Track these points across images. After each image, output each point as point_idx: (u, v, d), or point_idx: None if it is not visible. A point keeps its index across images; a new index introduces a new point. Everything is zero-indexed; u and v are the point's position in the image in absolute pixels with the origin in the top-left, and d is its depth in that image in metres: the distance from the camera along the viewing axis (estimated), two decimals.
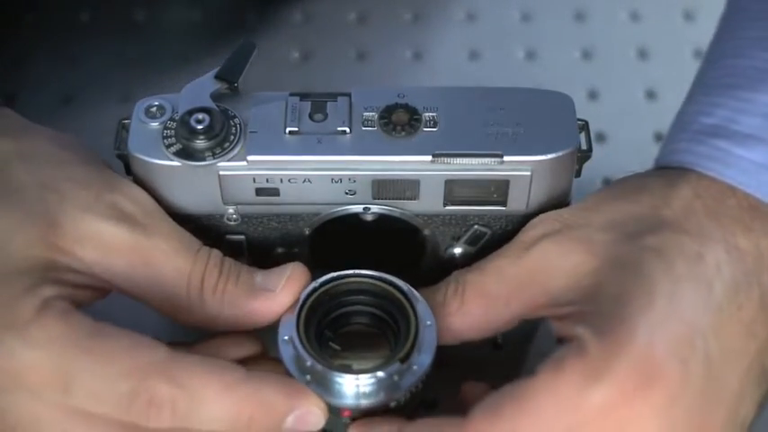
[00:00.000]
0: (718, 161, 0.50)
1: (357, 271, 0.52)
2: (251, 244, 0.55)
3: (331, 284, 0.52)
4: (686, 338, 0.46)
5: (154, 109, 0.53)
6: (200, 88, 0.53)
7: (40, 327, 0.47)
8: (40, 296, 0.48)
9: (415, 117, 0.52)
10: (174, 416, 0.47)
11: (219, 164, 0.52)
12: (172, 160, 0.52)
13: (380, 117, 0.52)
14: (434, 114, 0.52)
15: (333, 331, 0.53)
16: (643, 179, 0.52)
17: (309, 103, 0.53)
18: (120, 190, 0.51)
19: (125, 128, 0.53)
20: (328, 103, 0.53)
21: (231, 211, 0.54)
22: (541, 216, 0.52)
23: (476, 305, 0.52)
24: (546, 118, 0.53)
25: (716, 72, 0.54)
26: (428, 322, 0.51)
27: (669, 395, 0.46)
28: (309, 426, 0.49)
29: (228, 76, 0.53)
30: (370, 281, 0.52)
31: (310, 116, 0.52)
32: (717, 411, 0.47)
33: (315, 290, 0.52)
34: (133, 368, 0.47)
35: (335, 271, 0.52)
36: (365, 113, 0.52)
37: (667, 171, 0.52)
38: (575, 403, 0.46)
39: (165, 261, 0.51)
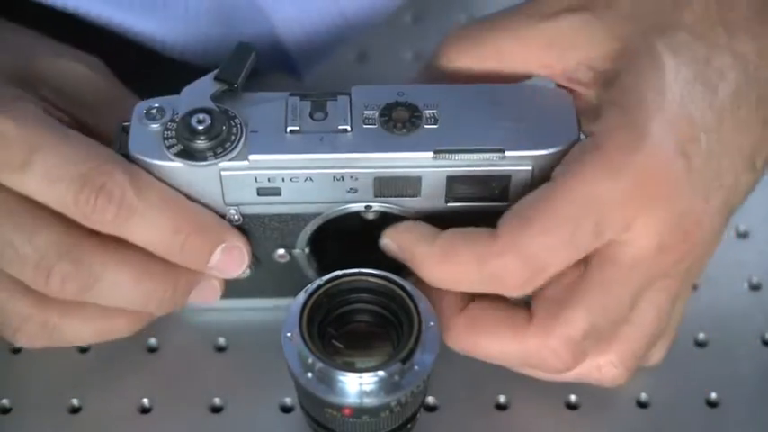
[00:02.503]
0: None
1: (361, 269, 0.52)
2: (253, 244, 0.55)
3: (334, 282, 0.52)
4: (692, 136, 0.49)
5: (154, 111, 0.52)
6: (200, 90, 0.53)
7: (16, 107, 0.52)
8: (19, 92, 0.53)
9: (416, 114, 0.52)
10: (118, 211, 0.50)
11: (221, 164, 0.52)
12: (173, 161, 0.51)
13: (381, 115, 0.52)
14: (435, 111, 0.52)
15: (336, 329, 0.53)
16: None
17: (309, 102, 0.53)
18: None
19: (125, 131, 0.53)
20: (328, 102, 0.53)
21: (233, 211, 0.54)
22: None
23: (491, 59, 0.54)
24: (546, 113, 0.53)
25: None
26: (431, 323, 0.51)
27: (675, 187, 0.49)
28: (233, 264, 0.53)
29: (228, 77, 0.53)
30: (374, 279, 0.52)
31: (311, 115, 0.52)
32: (714, 199, 0.50)
33: (319, 287, 0.52)
34: (94, 155, 0.51)
35: (338, 270, 0.52)
36: (365, 112, 0.52)
37: None
38: (597, 198, 0.49)
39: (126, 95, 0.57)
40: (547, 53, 0.52)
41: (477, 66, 0.54)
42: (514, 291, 0.50)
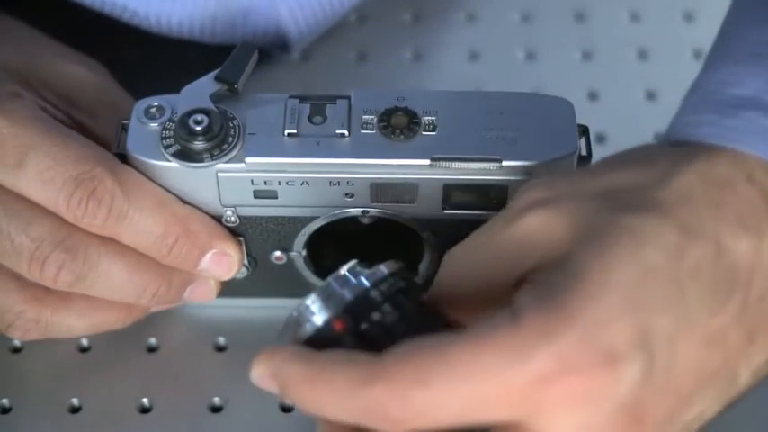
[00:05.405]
0: (751, 133, 0.46)
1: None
2: (249, 246, 0.55)
3: None
4: (635, 335, 0.42)
5: (153, 110, 0.53)
6: (200, 89, 0.53)
7: (12, 104, 0.53)
8: (16, 88, 0.54)
9: (414, 120, 0.52)
10: (108, 215, 0.51)
11: (218, 165, 0.52)
12: (170, 161, 0.52)
13: (379, 120, 0.52)
14: (434, 118, 0.52)
15: None
16: (652, 152, 0.48)
17: (308, 105, 0.53)
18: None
19: (124, 128, 0.53)
20: (327, 106, 0.53)
21: (229, 213, 0.54)
22: (534, 182, 0.48)
23: (455, 277, 0.49)
24: (546, 123, 0.52)
25: (740, 44, 0.50)
26: None
27: (595, 387, 0.42)
28: (223, 268, 0.54)
29: (228, 77, 0.53)
30: None
31: (309, 119, 0.52)
32: (655, 410, 0.44)
33: None
34: (87, 156, 0.52)
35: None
36: (364, 117, 0.52)
37: (680, 148, 0.47)
38: (501, 377, 0.42)
39: (125, 98, 0.58)
40: (513, 265, 0.46)
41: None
42: (389, 429, 0.44)
